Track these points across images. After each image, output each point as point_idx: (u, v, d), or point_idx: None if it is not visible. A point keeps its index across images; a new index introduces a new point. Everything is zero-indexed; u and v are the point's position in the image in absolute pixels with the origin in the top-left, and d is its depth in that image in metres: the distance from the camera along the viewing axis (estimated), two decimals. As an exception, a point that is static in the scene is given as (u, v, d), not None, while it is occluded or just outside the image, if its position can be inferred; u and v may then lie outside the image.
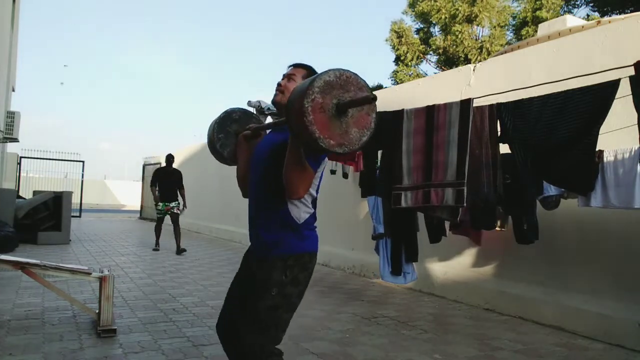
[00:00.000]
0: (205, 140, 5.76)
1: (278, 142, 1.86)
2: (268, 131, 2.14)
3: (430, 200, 3.74)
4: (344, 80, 1.57)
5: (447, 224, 4.58)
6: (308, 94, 1.48)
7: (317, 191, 1.91)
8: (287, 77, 2.00)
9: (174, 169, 8.76)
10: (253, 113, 2.49)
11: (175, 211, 8.24)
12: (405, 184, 3.92)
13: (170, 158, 8.79)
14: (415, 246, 4.73)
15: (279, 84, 2.02)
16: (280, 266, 1.82)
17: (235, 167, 2.23)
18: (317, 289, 5.41)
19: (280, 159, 1.77)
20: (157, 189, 8.39)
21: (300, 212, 1.85)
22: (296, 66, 2.04)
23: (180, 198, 8.43)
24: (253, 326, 1.80)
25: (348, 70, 1.59)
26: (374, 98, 1.53)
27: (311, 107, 1.48)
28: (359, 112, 1.58)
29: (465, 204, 3.55)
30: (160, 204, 8.27)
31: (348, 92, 1.57)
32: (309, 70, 1.99)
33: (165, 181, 8.45)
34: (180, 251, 8.09)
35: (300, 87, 1.58)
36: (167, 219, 8.48)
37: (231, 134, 2.35)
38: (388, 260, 4.83)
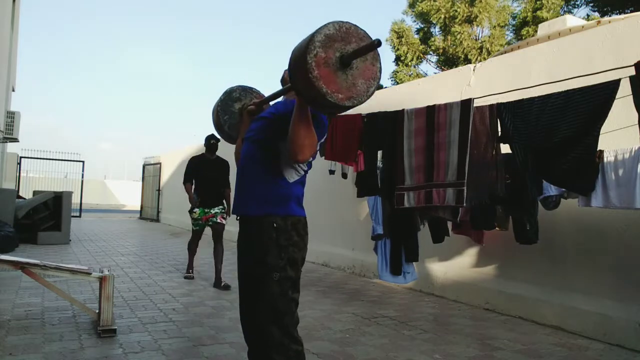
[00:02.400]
0: (204, 140, 5.74)
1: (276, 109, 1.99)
2: (271, 103, 2.21)
3: (432, 200, 3.75)
4: (344, 32, 1.54)
5: (449, 224, 4.58)
6: (310, 49, 1.45)
7: (308, 165, 1.97)
8: None
9: (219, 158, 5.76)
10: (252, 88, 2.46)
11: (219, 220, 5.55)
12: (407, 184, 3.93)
13: (212, 141, 5.67)
14: (416, 246, 4.72)
15: None
16: (271, 238, 1.84)
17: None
18: (317, 289, 5.41)
19: (275, 122, 1.89)
20: (192, 187, 5.66)
21: (291, 172, 1.90)
22: None
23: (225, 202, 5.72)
24: (268, 316, 1.83)
25: (347, 22, 1.55)
26: (378, 43, 1.49)
27: (315, 62, 1.45)
28: (364, 63, 1.56)
29: (465, 204, 3.55)
30: (197, 210, 5.53)
31: (350, 44, 1.53)
32: None
33: (206, 177, 5.59)
34: (221, 284, 5.25)
35: (300, 43, 1.54)
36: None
37: (235, 113, 2.35)
38: (386, 260, 4.82)
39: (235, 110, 2.35)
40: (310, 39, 1.47)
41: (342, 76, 1.51)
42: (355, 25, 1.56)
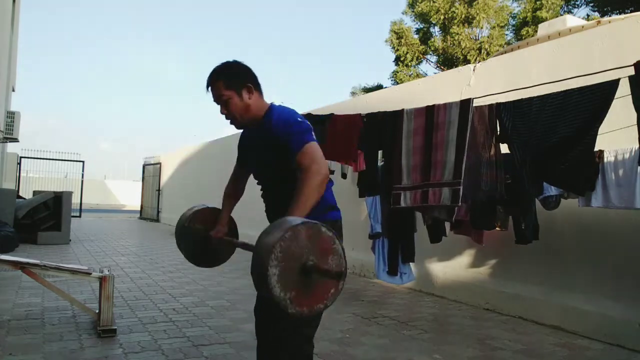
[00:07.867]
0: (204, 140, 5.74)
1: (268, 141, 1.90)
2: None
3: (428, 200, 3.74)
4: (316, 236, 1.43)
5: (447, 224, 4.58)
6: (272, 258, 1.35)
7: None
8: (219, 103, 1.90)
9: None
10: (190, 211, 2.34)
11: None
12: (404, 184, 3.92)
13: None
14: (412, 247, 4.72)
15: (225, 115, 1.94)
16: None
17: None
18: (317, 289, 5.40)
19: (280, 148, 1.84)
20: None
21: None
22: (211, 85, 1.89)
23: None
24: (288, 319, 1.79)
25: (324, 227, 1.44)
26: (340, 275, 1.42)
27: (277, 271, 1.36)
28: (323, 280, 1.44)
29: (460, 203, 3.55)
30: None
31: (317, 254, 1.42)
32: (223, 79, 1.86)
33: None
34: None
35: (266, 244, 1.39)
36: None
37: (199, 232, 2.25)
38: (384, 260, 4.82)
39: (199, 231, 2.25)
40: (277, 241, 1.36)
41: (299, 280, 1.41)
42: (333, 237, 1.45)
